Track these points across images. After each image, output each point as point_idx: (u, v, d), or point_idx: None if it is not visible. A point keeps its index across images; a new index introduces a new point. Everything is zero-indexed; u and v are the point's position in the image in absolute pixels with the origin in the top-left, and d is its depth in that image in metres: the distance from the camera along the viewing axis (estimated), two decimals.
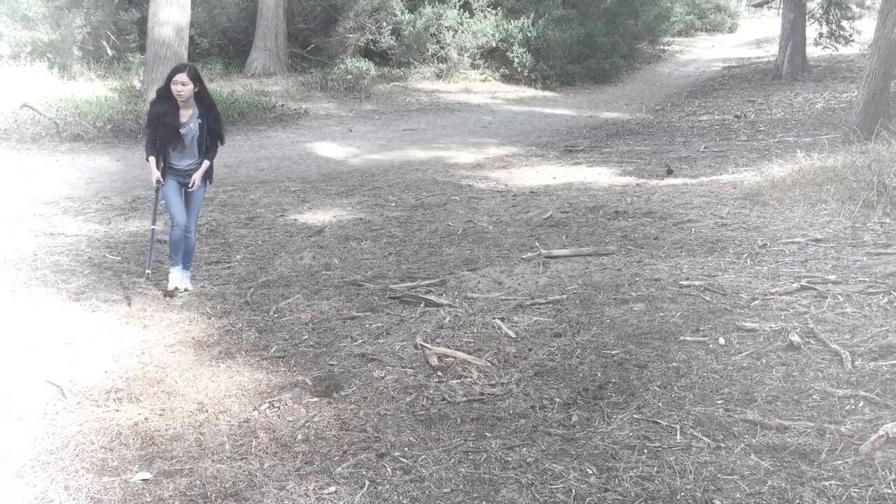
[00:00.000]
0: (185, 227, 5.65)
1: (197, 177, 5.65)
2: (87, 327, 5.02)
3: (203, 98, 5.60)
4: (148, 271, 5.72)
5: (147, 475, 3.35)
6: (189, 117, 5.56)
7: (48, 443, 3.62)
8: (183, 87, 5.44)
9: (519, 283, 5.68)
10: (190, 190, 5.65)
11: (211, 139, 5.68)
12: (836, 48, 19.90)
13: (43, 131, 11.61)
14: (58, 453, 3.52)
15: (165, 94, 5.50)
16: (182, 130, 5.53)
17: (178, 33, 13.13)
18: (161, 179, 5.56)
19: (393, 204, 8.51)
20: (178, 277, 5.74)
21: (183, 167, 5.65)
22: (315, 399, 4.04)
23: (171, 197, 5.68)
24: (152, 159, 5.55)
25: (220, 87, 15.26)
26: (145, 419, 3.84)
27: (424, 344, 4.63)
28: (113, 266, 6.29)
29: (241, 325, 5.10)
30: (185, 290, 5.74)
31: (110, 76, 15.61)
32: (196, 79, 5.50)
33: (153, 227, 5.74)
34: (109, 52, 16.92)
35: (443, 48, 18.75)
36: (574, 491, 3.16)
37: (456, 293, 5.54)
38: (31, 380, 4.24)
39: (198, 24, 17.10)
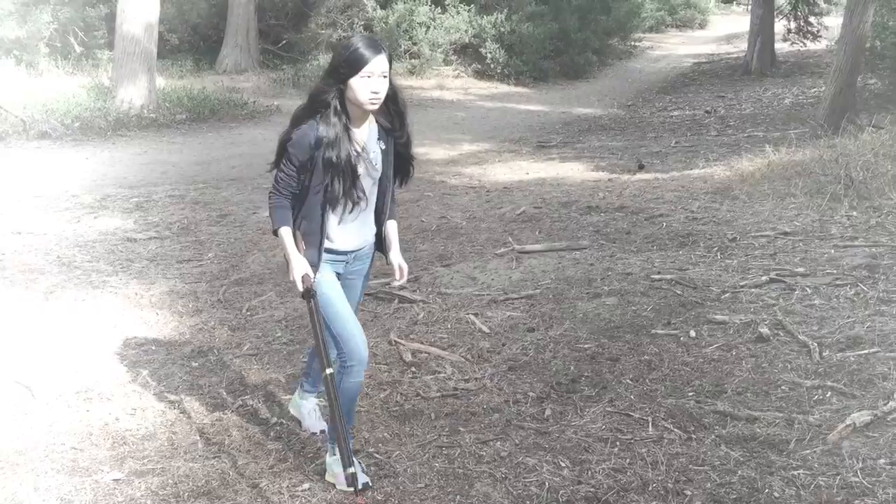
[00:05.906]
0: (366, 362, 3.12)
1: (398, 257, 3.24)
2: (56, 327, 4.95)
3: (387, 100, 2.98)
4: (351, 470, 2.91)
5: (118, 475, 3.32)
6: (366, 139, 3.03)
7: (17, 443, 3.57)
8: (384, 82, 2.89)
9: (492, 279, 5.69)
10: (397, 283, 3.48)
11: (395, 176, 3.23)
12: (804, 44, 20.11)
13: (10, 129, 11.41)
14: (27, 454, 3.48)
15: (333, 101, 2.89)
16: (360, 169, 3.00)
17: (148, 29, 13.00)
18: (311, 275, 2.97)
19: None
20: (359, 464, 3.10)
21: (351, 247, 3.14)
22: (288, 397, 4.03)
23: (338, 309, 3.04)
24: (286, 231, 2.99)
25: (191, 83, 15.11)
26: (116, 419, 3.81)
27: (398, 340, 4.63)
28: (82, 265, 6.21)
29: (213, 323, 5.07)
30: (322, 431, 3.54)
31: (78, 73, 15.38)
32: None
33: (329, 370, 2.91)
34: (77, 48, 16.66)
35: (415, 44, 18.70)
36: (547, 484, 3.19)
37: (430, 289, 5.54)
38: None
39: (167, 20, 16.89)
